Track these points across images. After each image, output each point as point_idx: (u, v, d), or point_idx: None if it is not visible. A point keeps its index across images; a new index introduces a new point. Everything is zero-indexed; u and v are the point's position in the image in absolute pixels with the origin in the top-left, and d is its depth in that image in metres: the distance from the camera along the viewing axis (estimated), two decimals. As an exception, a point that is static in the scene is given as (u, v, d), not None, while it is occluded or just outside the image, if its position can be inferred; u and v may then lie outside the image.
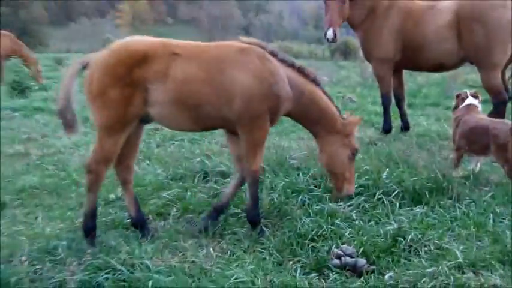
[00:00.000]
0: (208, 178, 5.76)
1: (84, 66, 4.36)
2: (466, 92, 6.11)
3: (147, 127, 8.77)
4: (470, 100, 5.95)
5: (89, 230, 4.37)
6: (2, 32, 16.85)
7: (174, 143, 7.56)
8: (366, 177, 5.44)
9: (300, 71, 4.68)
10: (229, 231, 4.55)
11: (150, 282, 3.42)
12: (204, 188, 5.53)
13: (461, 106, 5.95)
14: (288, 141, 7.63)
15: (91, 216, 4.39)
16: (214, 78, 4.27)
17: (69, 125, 4.32)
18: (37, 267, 3.69)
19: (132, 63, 4.15)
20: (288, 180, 5.46)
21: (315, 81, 4.75)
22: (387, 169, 5.61)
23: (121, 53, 4.26)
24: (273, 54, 4.57)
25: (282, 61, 4.59)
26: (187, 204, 5.01)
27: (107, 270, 3.61)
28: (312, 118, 4.77)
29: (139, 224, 4.55)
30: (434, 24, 7.13)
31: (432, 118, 9.73)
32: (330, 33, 7.49)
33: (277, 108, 4.50)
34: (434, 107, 11.71)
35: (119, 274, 3.58)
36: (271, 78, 4.39)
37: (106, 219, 4.79)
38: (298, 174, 5.67)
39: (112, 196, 5.34)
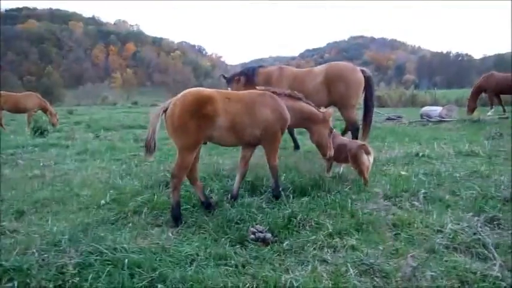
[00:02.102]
0: (168, 186, 5.52)
1: (165, 110, 4.18)
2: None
3: (130, 153, 8.42)
4: (333, 131, 6.09)
5: (177, 216, 4.26)
6: (31, 92, 16.00)
7: (147, 164, 7.25)
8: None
9: (291, 96, 4.91)
10: (182, 221, 4.34)
11: (127, 260, 3.20)
12: (166, 193, 5.27)
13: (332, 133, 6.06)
14: (222, 158, 7.51)
15: (177, 207, 4.28)
16: (249, 112, 4.46)
17: (150, 151, 4.15)
18: (44, 255, 3.36)
19: (204, 102, 4.12)
20: (221, 184, 5.38)
21: (299, 99, 4.98)
22: (284, 174, 5.63)
23: (195, 96, 4.17)
24: (275, 92, 4.77)
25: (280, 95, 4.79)
26: (154, 205, 4.77)
27: (96, 254, 3.35)
28: (304, 120, 5.02)
29: (209, 205, 4.60)
30: (311, 83, 7.23)
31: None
32: None
33: (284, 126, 4.73)
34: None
35: (105, 255, 3.33)
36: (280, 109, 4.63)
37: (97, 218, 4.46)
38: (228, 181, 5.59)
39: (102, 201, 5.01)
